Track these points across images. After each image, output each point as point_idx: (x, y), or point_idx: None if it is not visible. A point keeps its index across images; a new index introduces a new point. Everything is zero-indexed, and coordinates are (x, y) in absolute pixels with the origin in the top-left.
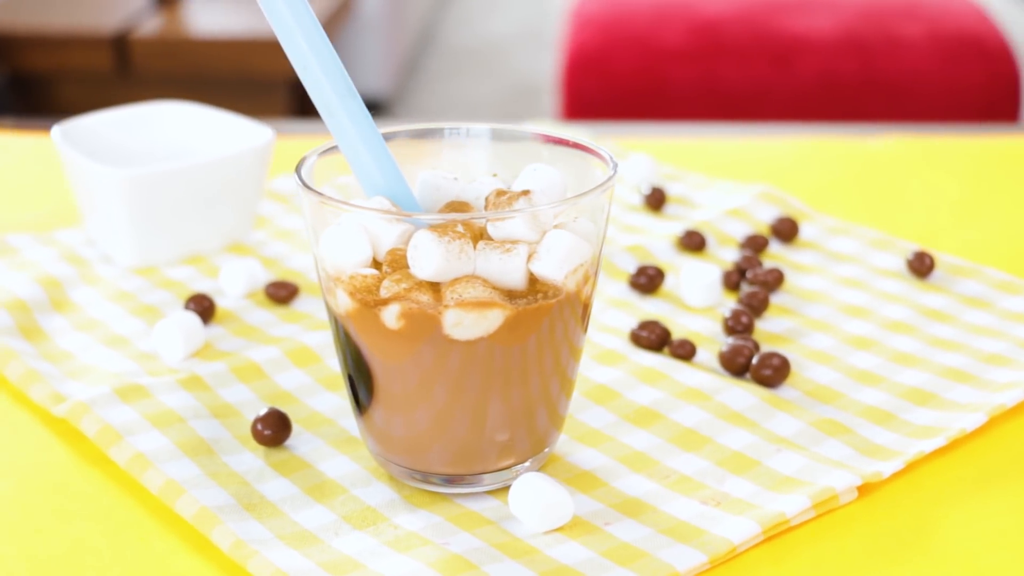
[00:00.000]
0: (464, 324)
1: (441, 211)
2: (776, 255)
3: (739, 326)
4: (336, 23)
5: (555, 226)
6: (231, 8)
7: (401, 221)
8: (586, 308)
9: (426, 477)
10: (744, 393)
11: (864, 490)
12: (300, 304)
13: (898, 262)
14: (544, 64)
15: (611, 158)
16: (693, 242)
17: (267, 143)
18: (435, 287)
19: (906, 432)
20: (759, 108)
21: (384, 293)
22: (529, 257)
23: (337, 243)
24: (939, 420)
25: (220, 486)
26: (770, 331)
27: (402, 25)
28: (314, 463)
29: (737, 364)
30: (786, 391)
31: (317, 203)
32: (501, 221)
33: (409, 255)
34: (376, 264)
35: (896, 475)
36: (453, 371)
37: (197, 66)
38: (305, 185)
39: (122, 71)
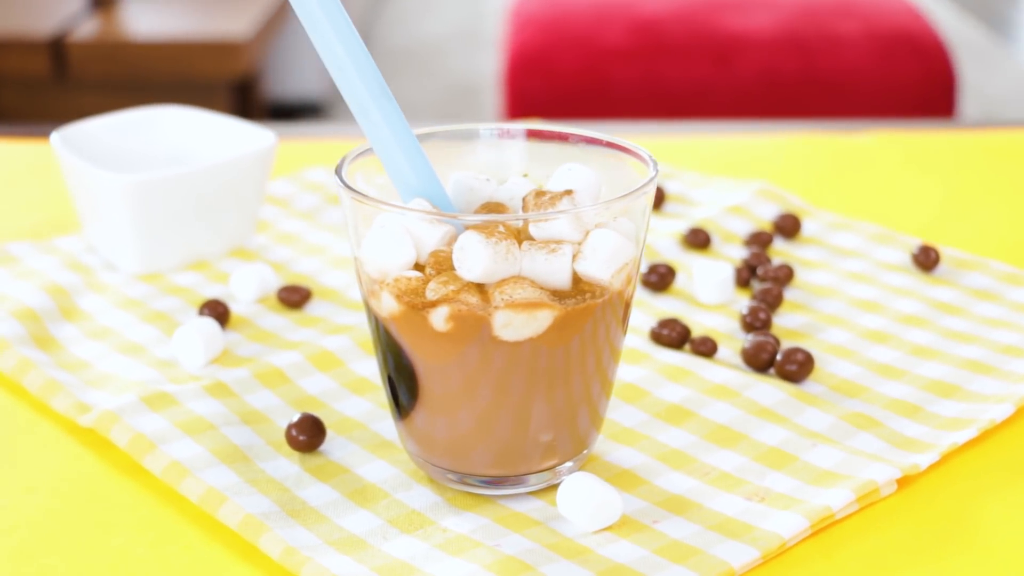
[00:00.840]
0: (514, 325)
1: (477, 212)
2: (781, 251)
3: (757, 322)
4: (273, 27)
5: (596, 225)
6: (169, 10)
7: (443, 222)
8: (627, 308)
9: (468, 479)
10: (771, 389)
11: (902, 482)
12: (313, 308)
13: (902, 256)
14: (482, 64)
15: (650, 157)
16: (698, 240)
17: (270, 146)
18: (481, 288)
19: (935, 424)
20: (701, 106)
21: (431, 295)
22: (573, 257)
23: (381, 246)
24: (966, 412)
25: (261, 493)
26: (786, 327)
27: None
28: (351, 468)
29: (761, 360)
30: (811, 386)
31: (360, 205)
32: (545, 221)
33: (455, 256)
34: (418, 266)
35: (932, 467)
36: (499, 372)
37: (136, 69)
38: (348, 187)
39: (59, 75)
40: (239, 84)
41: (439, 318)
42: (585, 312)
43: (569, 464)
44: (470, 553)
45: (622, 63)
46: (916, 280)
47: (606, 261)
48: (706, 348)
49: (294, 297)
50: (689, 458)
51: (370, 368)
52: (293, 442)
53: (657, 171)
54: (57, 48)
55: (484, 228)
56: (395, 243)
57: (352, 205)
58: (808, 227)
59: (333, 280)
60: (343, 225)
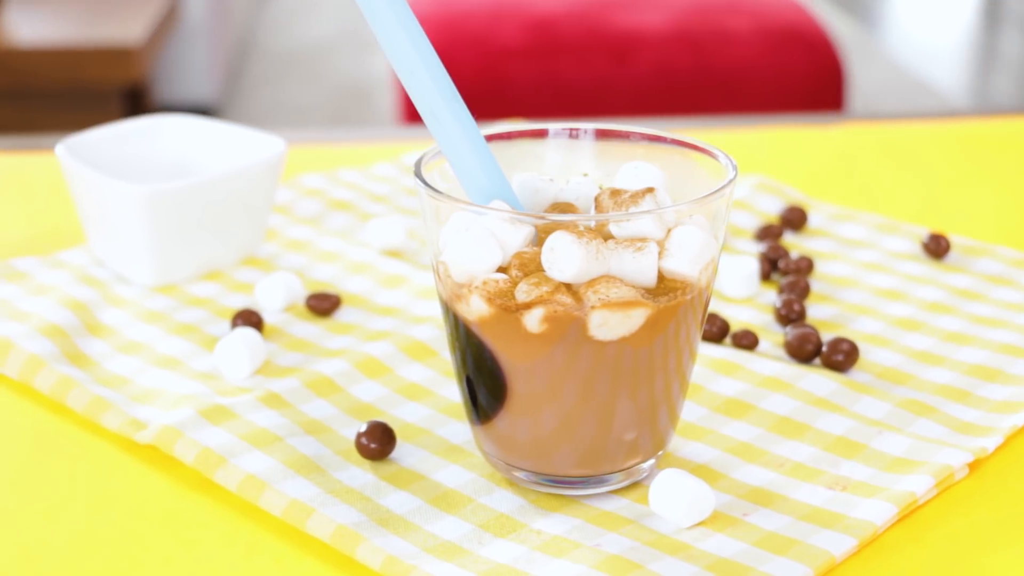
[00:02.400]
0: (609, 324)
1: (548, 211)
2: (792, 244)
3: (793, 314)
4: (164, 32)
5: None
6: (54, 16)
7: (526, 224)
8: (707, 305)
9: (550, 480)
10: (822, 379)
11: (972, 466)
12: (343, 315)
13: (910, 245)
14: (370, 66)
15: (725, 156)
16: None
17: (280, 154)
18: (573, 288)
19: (988, 408)
20: (599, 104)
21: (523, 297)
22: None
23: (468, 249)
24: (1015, 394)
25: (345, 503)
26: (817, 318)
27: (226, 31)
28: (427, 474)
29: (805, 351)
30: (857, 375)
31: (439, 208)
32: (627, 221)
33: (544, 257)
34: (500, 268)
35: (997, 449)
36: (587, 371)
37: (23, 77)
38: (434, 189)
39: None
40: (131, 90)
41: (533, 320)
42: (674, 309)
43: (650, 462)
44: (573, 554)
45: (519, 62)
46: (930, 268)
47: (693, 258)
48: (748, 341)
49: (324, 304)
50: (759, 451)
51: (418, 373)
52: (364, 450)
53: (736, 171)
54: None
55: (574, 228)
56: (482, 246)
57: (432, 208)
58: (812, 219)
59: (356, 286)
60: (424, 229)
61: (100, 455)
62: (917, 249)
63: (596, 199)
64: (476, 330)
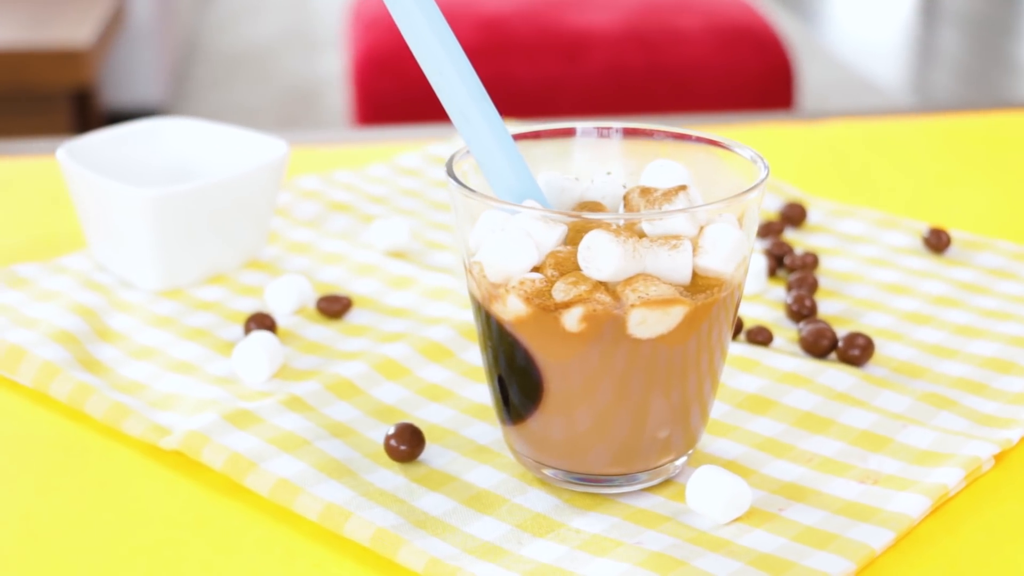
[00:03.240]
0: (648, 322)
1: (576, 210)
2: (793, 240)
3: (804, 310)
4: (111, 34)
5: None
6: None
7: (560, 223)
8: (738, 304)
9: (582, 479)
10: (840, 374)
11: (997, 457)
12: (354, 317)
13: (909, 239)
14: (320, 66)
15: (757, 155)
16: None
17: (283, 156)
18: (610, 287)
19: (1006, 400)
20: (551, 103)
21: (560, 296)
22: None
23: (504, 249)
24: None
25: (381, 505)
26: (827, 313)
27: (171, 32)
28: (458, 475)
29: (821, 347)
30: (873, 369)
31: (471, 207)
32: (661, 219)
33: (581, 256)
34: (534, 268)
35: (1021, 440)
36: (623, 369)
37: None
38: (469, 188)
39: None
40: (78, 94)
41: (572, 319)
42: (710, 307)
43: (682, 460)
44: (615, 552)
45: (471, 61)
46: (933, 262)
47: (728, 255)
48: (763, 337)
49: (335, 307)
50: (786, 446)
51: (438, 374)
52: (394, 452)
53: (768, 170)
54: None
55: (610, 227)
56: (518, 246)
57: (465, 208)
58: (811, 215)
59: (364, 287)
60: (455, 229)
61: (123, 462)
62: (917, 244)
63: (625, 197)
64: (512, 330)
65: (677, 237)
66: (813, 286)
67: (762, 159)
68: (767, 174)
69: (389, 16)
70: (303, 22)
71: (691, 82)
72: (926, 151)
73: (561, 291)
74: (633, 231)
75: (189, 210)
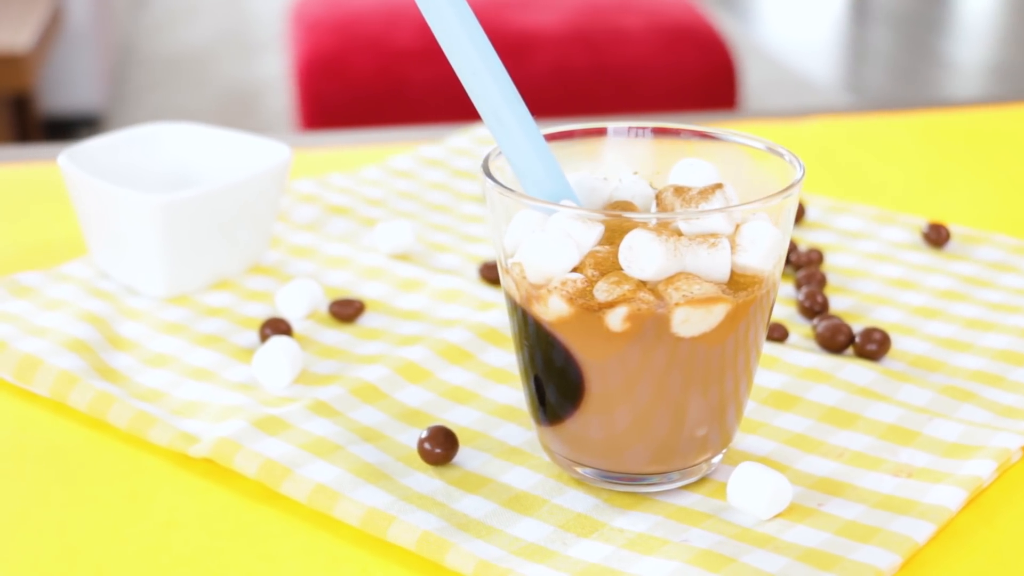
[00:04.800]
0: (691, 321)
1: (610, 209)
2: (794, 237)
3: (816, 306)
4: (49, 39)
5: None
6: None
7: (598, 223)
8: (773, 302)
9: (619, 478)
10: (860, 369)
11: None
12: (366, 321)
13: (908, 235)
14: (256, 68)
15: (791, 155)
16: None
17: (286, 160)
18: (651, 286)
19: None
20: None
21: (603, 296)
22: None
23: (545, 250)
24: None
25: (422, 509)
26: (837, 309)
27: (108, 37)
28: (494, 477)
29: (837, 342)
30: (890, 364)
31: (513, 205)
32: (697, 218)
33: (622, 256)
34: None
35: None
36: (663, 368)
37: None
38: (507, 188)
39: None
40: (17, 99)
41: (616, 319)
42: (750, 304)
43: (718, 457)
44: (663, 550)
45: (416, 64)
46: (933, 257)
47: (767, 253)
48: (779, 334)
49: (347, 311)
50: (816, 441)
51: (460, 376)
52: (428, 456)
53: (804, 170)
54: None
55: (651, 226)
56: (559, 247)
57: (503, 208)
58: (809, 212)
59: (373, 291)
60: (490, 229)
61: (152, 471)
62: (916, 239)
63: (658, 196)
64: (552, 330)
65: (715, 235)
66: (822, 282)
67: (797, 158)
68: (803, 173)
69: (330, 18)
70: (240, 24)
71: (635, 82)
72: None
73: (604, 291)
74: (671, 230)
75: (197, 216)
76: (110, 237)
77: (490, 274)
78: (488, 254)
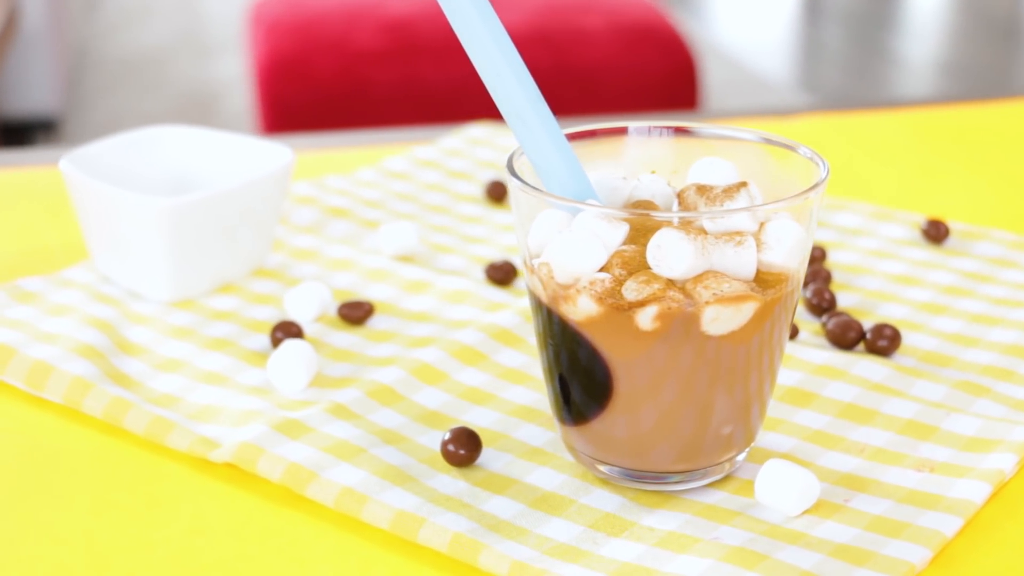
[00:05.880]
0: (721, 319)
1: (634, 208)
2: None
3: (824, 303)
4: (3, 43)
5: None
6: None
7: (624, 222)
8: (797, 301)
9: (643, 476)
10: (872, 364)
11: None
12: (376, 323)
13: (907, 231)
14: (213, 70)
15: (815, 154)
16: None
17: (290, 163)
18: (679, 284)
19: None
20: (461, 106)
21: (632, 295)
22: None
23: (573, 250)
24: None
25: (450, 511)
26: (843, 305)
27: (63, 39)
28: (519, 478)
29: (848, 339)
30: (901, 359)
31: (538, 205)
32: (722, 217)
33: (651, 255)
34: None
35: None
36: (692, 367)
37: None
38: (534, 187)
39: None
40: None
41: (646, 318)
42: (776, 302)
43: (742, 455)
44: (696, 548)
45: (378, 65)
46: (934, 253)
47: (791, 250)
48: (790, 331)
49: (357, 313)
50: (836, 438)
51: (475, 377)
52: (452, 457)
53: (828, 170)
54: None
55: (676, 225)
56: (587, 247)
57: (529, 207)
58: None
59: (379, 293)
60: (515, 229)
61: (173, 476)
62: (915, 235)
63: (680, 195)
64: (579, 329)
65: (740, 233)
66: (827, 279)
67: (819, 156)
68: (827, 172)
69: (290, 19)
70: (196, 25)
71: (597, 83)
72: (947, 142)
73: (633, 290)
74: (696, 228)
75: (202, 219)
76: (113, 241)
77: (497, 275)
78: (491, 255)
